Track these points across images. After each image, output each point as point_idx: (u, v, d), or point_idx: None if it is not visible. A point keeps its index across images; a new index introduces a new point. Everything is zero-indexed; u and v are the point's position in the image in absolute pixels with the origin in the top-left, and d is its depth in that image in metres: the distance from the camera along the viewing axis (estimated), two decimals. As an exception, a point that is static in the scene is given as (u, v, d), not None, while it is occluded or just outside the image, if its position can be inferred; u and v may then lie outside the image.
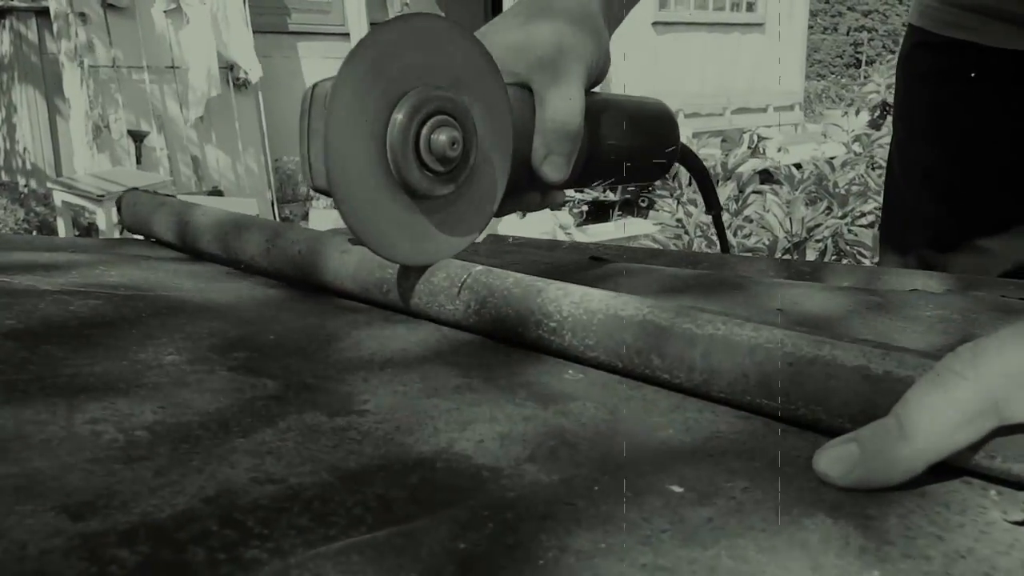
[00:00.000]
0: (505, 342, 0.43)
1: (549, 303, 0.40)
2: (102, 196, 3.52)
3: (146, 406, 0.32)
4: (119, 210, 0.67)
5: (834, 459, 0.29)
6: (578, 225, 5.64)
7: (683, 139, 0.66)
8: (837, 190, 2.84)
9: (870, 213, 2.74)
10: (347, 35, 5.58)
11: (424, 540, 0.24)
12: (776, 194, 2.97)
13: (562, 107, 0.52)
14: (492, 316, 0.42)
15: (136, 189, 0.68)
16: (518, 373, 0.39)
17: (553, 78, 0.52)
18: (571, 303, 0.40)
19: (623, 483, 0.29)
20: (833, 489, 0.28)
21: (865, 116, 4.08)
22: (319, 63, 5.47)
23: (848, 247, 2.59)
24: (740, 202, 2.89)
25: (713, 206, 0.76)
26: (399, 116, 0.42)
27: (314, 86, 0.46)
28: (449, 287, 0.45)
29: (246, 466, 0.28)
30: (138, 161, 4.44)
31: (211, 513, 0.25)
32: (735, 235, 2.61)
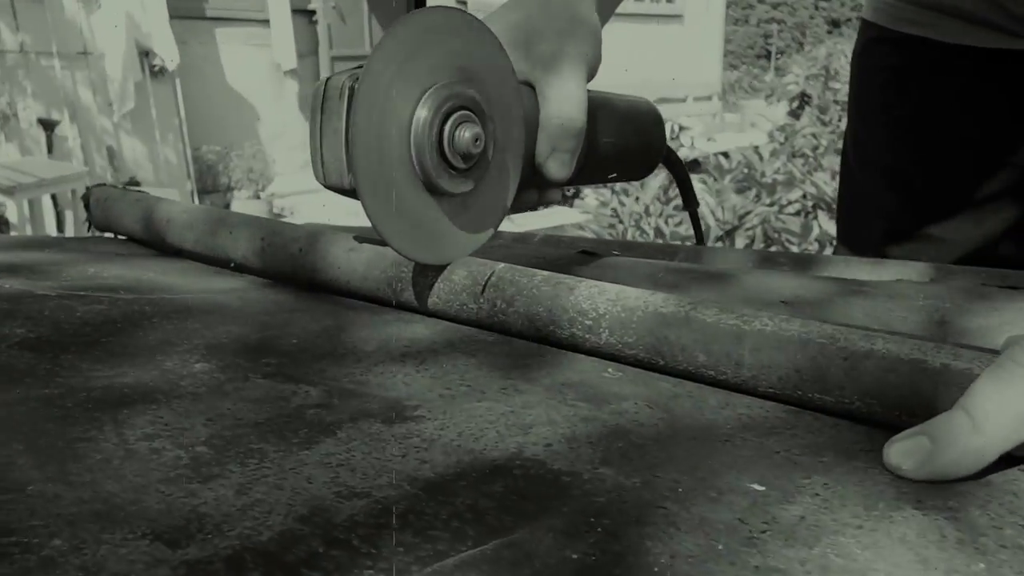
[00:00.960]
0: (534, 341, 0.42)
1: (584, 301, 0.40)
2: (12, 188, 3.35)
3: (194, 419, 0.31)
4: (87, 207, 0.64)
5: (905, 452, 0.29)
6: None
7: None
8: (764, 179, 2.92)
9: (796, 201, 2.82)
10: (267, 21, 5.45)
11: (534, 552, 0.24)
12: (705, 183, 3.03)
13: (566, 104, 0.51)
14: (521, 314, 0.42)
15: (104, 185, 0.65)
16: (557, 372, 0.38)
17: (556, 74, 0.52)
18: (607, 300, 0.40)
19: (704, 483, 0.28)
20: (906, 482, 0.29)
21: (785, 106, 4.21)
22: (238, 50, 5.33)
23: (776, 234, 2.66)
24: (669, 191, 2.94)
25: (691, 202, 0.77)
26: (423, 112, 0.41)
27: (327, 80, 0.44)
28: (472, 285, 0.44)
29: (324, 480, 0.27)
30: (49, 151, 4.24)
31: (311, 533, 0.24)
32: (666, 224, 2.66)
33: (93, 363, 0.35)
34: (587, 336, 0.40)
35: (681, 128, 7.43)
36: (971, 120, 0.88)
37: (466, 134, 0.42)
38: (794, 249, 2.59)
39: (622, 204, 2.65)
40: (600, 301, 0.40)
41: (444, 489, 0.27)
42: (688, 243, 2.44)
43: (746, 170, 3.02)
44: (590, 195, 6.06)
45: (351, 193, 0.45)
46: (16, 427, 0.28)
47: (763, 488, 0.28)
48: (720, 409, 0.35)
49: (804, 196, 2.80)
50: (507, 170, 0.47)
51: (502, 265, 0.44)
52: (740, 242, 2.54)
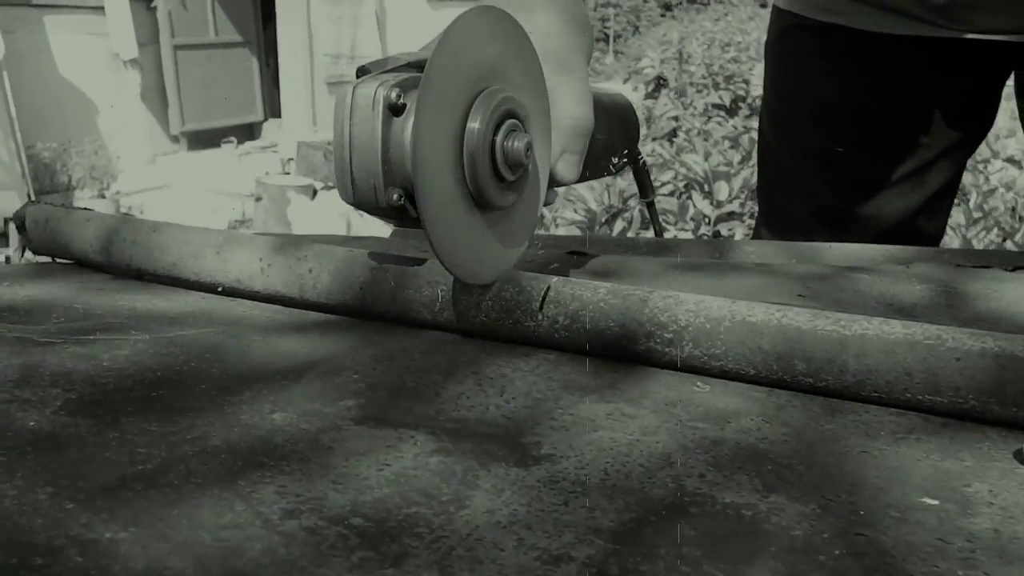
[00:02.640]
0: (600, 356, 0.40)
1: (661, 313, 0.38)
2: None
3: (322, 484, 0.27)
4: (21, 229, 0.56)
5: None
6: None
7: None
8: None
9: (669, 182, 2.91)
10: (101, 8, 5.08)
11: (781, 603, 0.22)
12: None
13: (575, 104, 0.49)
14: (588, 330, 0.40)
15: (39, 202, 0.57)
16: (650, 391, 0.37)
17: (563, 73, 0.50)
18: (687, 312, 0.38)
19: (877, 502, 0.28)
20: (1057, 481, 0.29)
21: (643, 89, 4.35)
22: (71, 39, 4.94)
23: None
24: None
25: (648, 193, 0.76)
26: (475, 124, 0.38)
27: (354, 88, 0.40)
28: (527, 302, 0.41)
29: (512, 544, 0.24)
30: None
31: (557, 613, 0.21)
32: (549, 211, 2.68)
33: (163, 425, 0.30)
34: (666, 349, 0.38)
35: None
36: (887, 103, 0.92)
37: (518, 144, 0.40)
38: (671, 229, 2.68)
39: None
40: (679, 312, 0.38)
41: (637, 539, 0.25)
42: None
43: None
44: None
45: (387, 212, 0.42)
46: (135, 520, 0.24)
47: (936, 502, 0.28)
48: (830, 417, 0.34)
49: (676, 177, 2.89)
50: (538, 179, 0.45)
51: (555, 279, 0.42)
52: (619, 225, 2.59)
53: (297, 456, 0.29)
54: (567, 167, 0.50)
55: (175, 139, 5.80)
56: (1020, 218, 3.05)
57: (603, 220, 2.39)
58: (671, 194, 2.84)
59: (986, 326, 0.43)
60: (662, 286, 0.51)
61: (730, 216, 2.67)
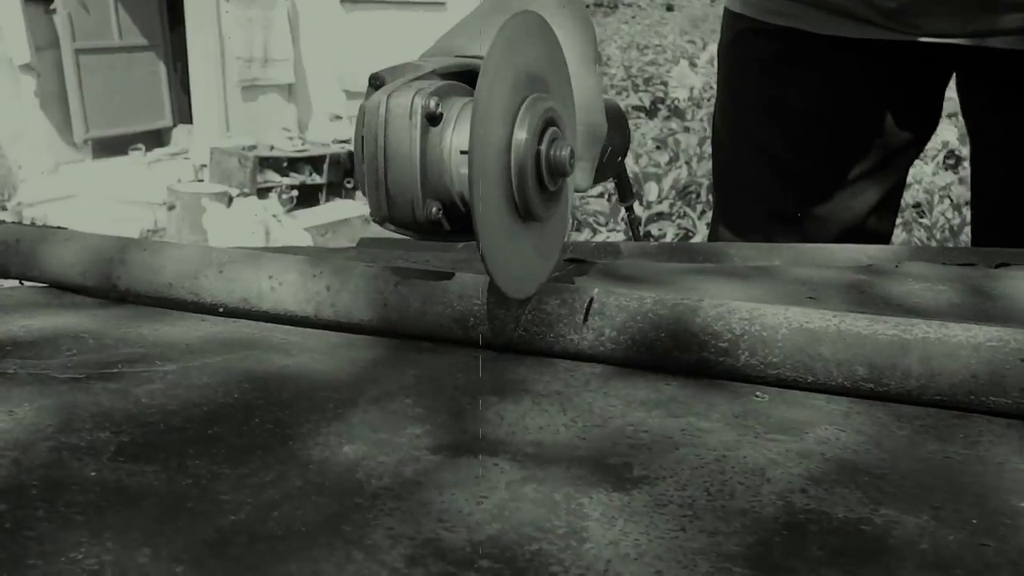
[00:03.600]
0: (648, 369, 0.39)
1: (714, 323, 0.38)
2: None
3: (429, 523, 0.25)
4: (-13, 252, 0.52)
5: None
6: (288, 211, 5.42)
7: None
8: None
9: (598, 185, 2.93)
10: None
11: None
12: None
13: (589, 111, 0.48)
14: (636, 342, 0.39)
15: (5, 222, 0.53)
16: (712, 402, 0.36)
17: (576, 79, 0.49)
18: (741, 320, 0.38)
19: (982, 511, 0.28)
20: None
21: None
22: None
23: (584, 217, 2.76)
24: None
25: (627, 196, 0.76)
26: (523, 134, 0.37)
27: (388, 98, 0.38)
28: (569, 315, 0.40)
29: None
30: None
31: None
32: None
33: (234, 466, 0.27)
34: (720, 359, 0.38)
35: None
36: (840, 106, 0.95)
37: (563, 153, 0.38)
38: (603, 231, 2.70)
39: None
40: (732, 321, 0.38)
41: (771, 564, 0.24)
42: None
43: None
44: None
45: (423, 226, 0.40)
46: None
47: (1042, 507, 0.28)
48: (899, 423, 0.34)
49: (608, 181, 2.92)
50: (567, 187, 0.44)
51: (597, 289, 0.41)
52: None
53: (389, 493, 0.27)
54: (582, 174, 0.49)
55: (79, 146, 5.54)
56: (921, 212, 3.19)
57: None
58: (600, 196, 2.86)
59: (1002, 323, 0.44)
60: (675, 292, 0.50)
61: (660, 216, 2.71)
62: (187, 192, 4.81)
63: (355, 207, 5.82)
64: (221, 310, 0.47)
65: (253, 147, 5.27)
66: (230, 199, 4.93)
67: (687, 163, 2.89)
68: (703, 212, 2.78)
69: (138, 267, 0.48)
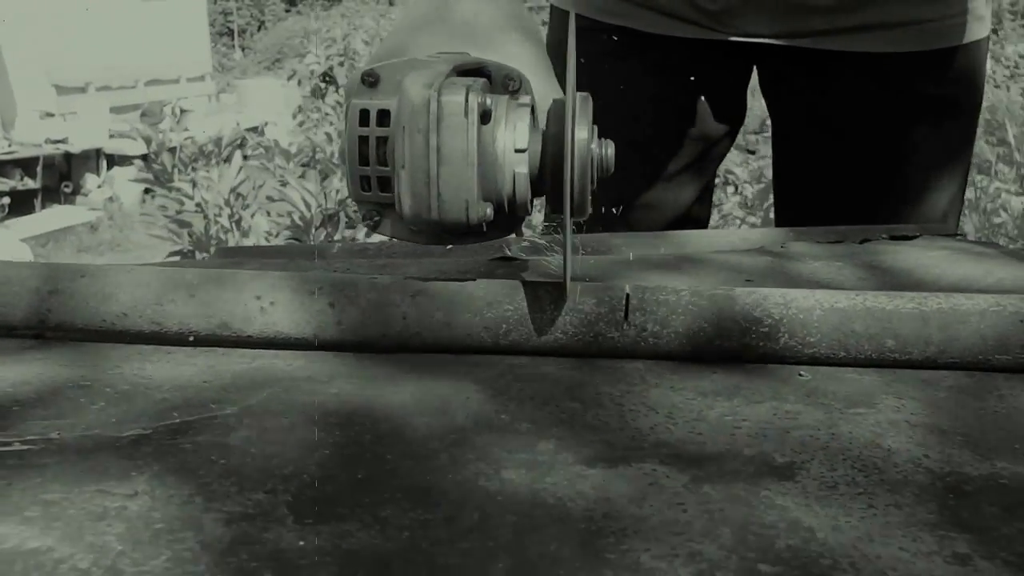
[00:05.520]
0: (688, 359, 0.40)
1: (752, 309, 0.40)
2: None
3: (671, 540, 0.24)
4: None
5: None
6: (1, 220, 4.77)
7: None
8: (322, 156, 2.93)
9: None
10: None
11: None
12: (268, 169, 2.94)
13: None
14: (680, 334, 0.40)
15: None
16: (772, 385, 0.38)
17: (550, 84, 0.49)
18: (776, 305, 0.40)
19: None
20: None
21: (307, 86, 4.25)
22: None
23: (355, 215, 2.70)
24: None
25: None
26: (583, 134, 0.37)
27: (439, 95, 0.36)
28: (609, 313, 0.40)
29: (907, 554, 0.24)
30: None
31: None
32: (252, 217, 2.52)
33: (411, 507, 0.24)
34: (761, 343, 0.40)
35: (182, 111, 7.00)
36: (666, 101, 1.01)
37: (610, 151, 0.38)
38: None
39: (205, 201, 2.44)
40: (770, 307, 0.40)
41: (989, 529, 0.26)
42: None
43: (311, 153, 3.00)
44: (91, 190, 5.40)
45: (474, 228, 0.38)
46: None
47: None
48: (933, 387, 0.38)
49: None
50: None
51: (629, 286, 0.41)
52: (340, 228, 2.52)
53: (595, 514, 0.25)
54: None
55: None
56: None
57: (318, 224, 2.31)
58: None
59: (916, 288, 0.51)
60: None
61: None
62: None
63: (78, 213, 5.25)
64: (192, 339, 0.41)
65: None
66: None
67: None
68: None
69: (76, 297, 0.41)
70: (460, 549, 0.23)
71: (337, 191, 2.31)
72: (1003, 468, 0.30)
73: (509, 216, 0.39)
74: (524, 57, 0.47)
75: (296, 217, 2.33)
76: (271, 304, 0.40)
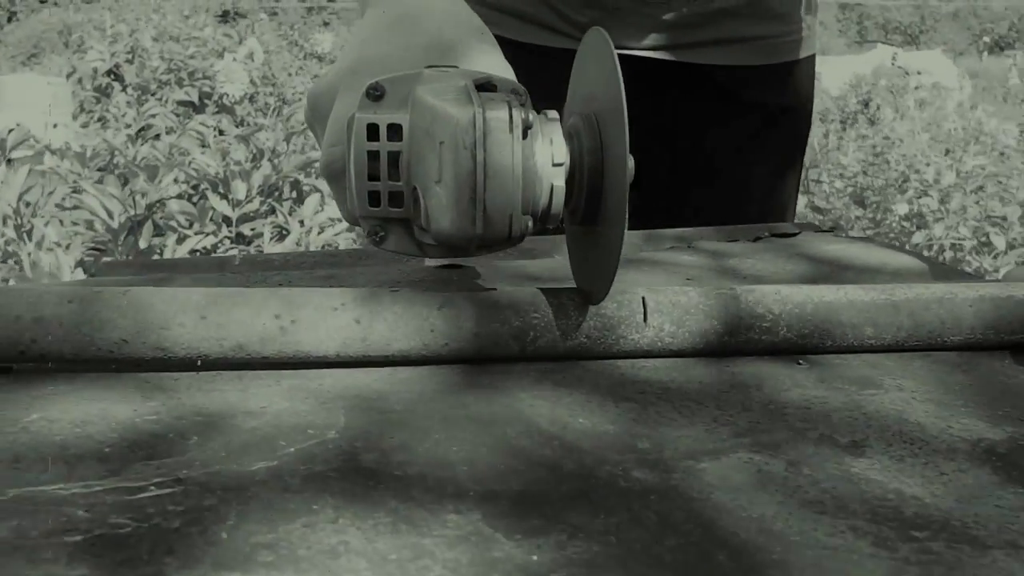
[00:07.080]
0: (699, 356, 0.43)
1: (755, 306, 0.43)
2: None
3: (807, 521, 0.26)
4: None
5: None
6: None
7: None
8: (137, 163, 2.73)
9: (176, 183, 2.72)
10: None
11: None
12: (58, 174, 2.69)
13: None
14: (693, 332, 0.42)
15: None
16: (785, 375, 0.41)
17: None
18: (775, 301, 0.43)
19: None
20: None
21: (89, 84, 3.88)
22: None
23: (164, 221, 2.55)
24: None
25: None
26: (619, 148, 0.38)
27: (483, 110, 0.36)
28: (629, 315, 0.42)
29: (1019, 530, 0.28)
30: None
31: None
32: (46, 226, 2.29)
33: (571, 517, 0.25)
34: (763, 338, 0.43)
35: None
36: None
37: (631, 164, 0.40)
38: (188, 233, 2.52)
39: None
40: (770, 303, 0.43)
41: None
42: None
43: (108, 157, 2.76)
44: None
45: (514, 241, 0.38)
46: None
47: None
48: (916, 366, 0.43)
49: (184, 178, 2.71)
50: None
51: (642, 290, 0.43)
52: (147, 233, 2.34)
53: (737, 516, 0.27)
54: None
55: None
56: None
57: (127, 231, 2.14)
58: (180, 196, 2.66)
59: (840, 279, 0.57)
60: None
61: (253, 216, 2.62)
62: None
63: None
64: (200, 363, 0.38)
65: None
66: None
67: (270, 160, 2.82)
68: (292, 209, 2.76)
69: (66, 325, 0.37)
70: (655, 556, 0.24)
71: (144, 195, 2.16)
72: (1013, 432, 0.35)
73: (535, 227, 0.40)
74: (497, 68, 0.47)
75: (97, 225, 2.15)
76: (292, 323, 0.39)
